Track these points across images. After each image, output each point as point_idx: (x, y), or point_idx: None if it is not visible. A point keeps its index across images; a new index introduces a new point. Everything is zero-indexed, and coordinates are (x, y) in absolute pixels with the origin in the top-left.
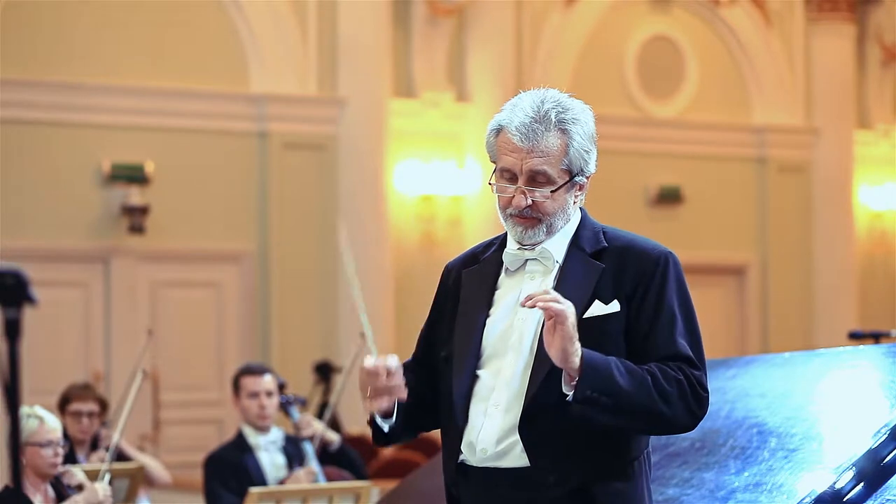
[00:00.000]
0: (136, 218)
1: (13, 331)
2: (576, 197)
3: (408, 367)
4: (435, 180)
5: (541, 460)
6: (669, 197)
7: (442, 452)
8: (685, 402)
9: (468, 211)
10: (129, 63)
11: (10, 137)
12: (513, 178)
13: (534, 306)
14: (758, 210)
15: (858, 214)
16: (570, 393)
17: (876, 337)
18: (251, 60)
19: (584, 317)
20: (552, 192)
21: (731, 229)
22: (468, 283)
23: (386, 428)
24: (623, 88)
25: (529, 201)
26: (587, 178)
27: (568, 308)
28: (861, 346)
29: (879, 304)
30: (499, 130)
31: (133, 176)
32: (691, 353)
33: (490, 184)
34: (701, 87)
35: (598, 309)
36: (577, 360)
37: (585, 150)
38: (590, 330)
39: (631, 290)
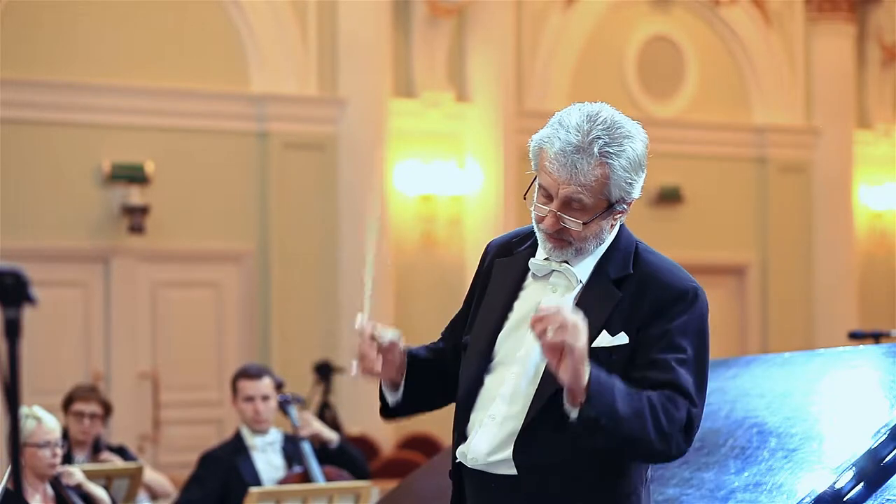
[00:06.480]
0: (136, 218)
1: (13, 331)
2: (614, 221)
3: (432, 348)
4: (435, 180)
5: (531, 477)
6: (669, 197)
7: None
8: (676, 442)
9: (468, 211)
10: (129, 63)
11: (11, 137)
12: (550, 197)
13: (540, 333)
14: (758, 210)
15: (858, 214)
16: (573, 410)
17: (876, 337)
18: (251, 60)
19: (592, 346)
20: (585, 223)
21: (731, 229)
22: (497, 277)
23: (390, 401)
24: (623, 88)
25: (560, 226)
26: (628, 203)
27: (580, 330)
28: (861, 346)
29: (879, 304)
30: (540, 148)
31: (133, 176)
32: (693, 391)
33: (525, 198)
34: (701, 87)
35: (604, 340)
36: (585, 380)
37: (628, 182)
38: (595, 359)
39: (644, 320)
